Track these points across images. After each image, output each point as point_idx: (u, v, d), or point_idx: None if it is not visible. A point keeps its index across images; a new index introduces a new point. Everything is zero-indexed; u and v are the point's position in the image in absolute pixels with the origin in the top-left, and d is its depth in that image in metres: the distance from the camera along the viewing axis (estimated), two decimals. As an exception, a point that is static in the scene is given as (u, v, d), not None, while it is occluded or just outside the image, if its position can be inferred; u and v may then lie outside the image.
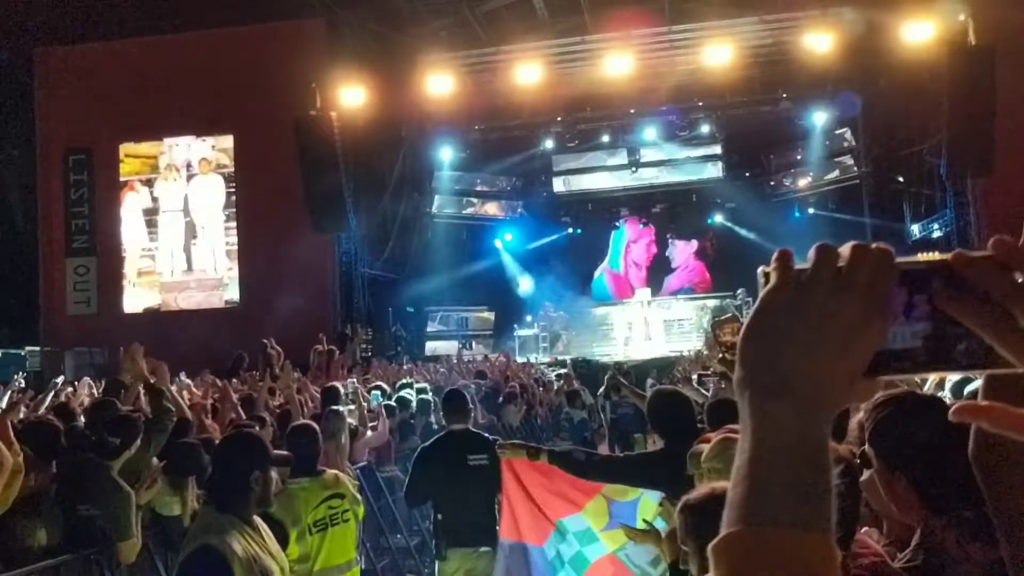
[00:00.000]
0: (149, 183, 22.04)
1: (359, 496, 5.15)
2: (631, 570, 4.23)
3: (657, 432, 4.49)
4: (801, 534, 0.72)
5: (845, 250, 0.77)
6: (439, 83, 19.68)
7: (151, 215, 21.92)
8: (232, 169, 21.48)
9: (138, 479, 5.47)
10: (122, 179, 21.86)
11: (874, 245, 0.77)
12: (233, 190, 21.40)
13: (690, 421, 4.28)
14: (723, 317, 2.77)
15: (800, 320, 0.76)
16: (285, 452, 3.96)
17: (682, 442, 3.92)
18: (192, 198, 21.79)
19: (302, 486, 4.77)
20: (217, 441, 5.04)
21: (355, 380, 10.16)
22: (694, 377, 6.21)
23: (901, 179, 20.48)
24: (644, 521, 4.01)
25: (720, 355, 2.82)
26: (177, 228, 21.85)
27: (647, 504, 4.30)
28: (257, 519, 3.56)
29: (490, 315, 24.18)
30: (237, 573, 3.24)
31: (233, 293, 21.37)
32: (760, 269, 0.81)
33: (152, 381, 5.84)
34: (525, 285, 25.61)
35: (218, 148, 21.70)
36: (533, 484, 4.60)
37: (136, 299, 21.69)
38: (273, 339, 11.42)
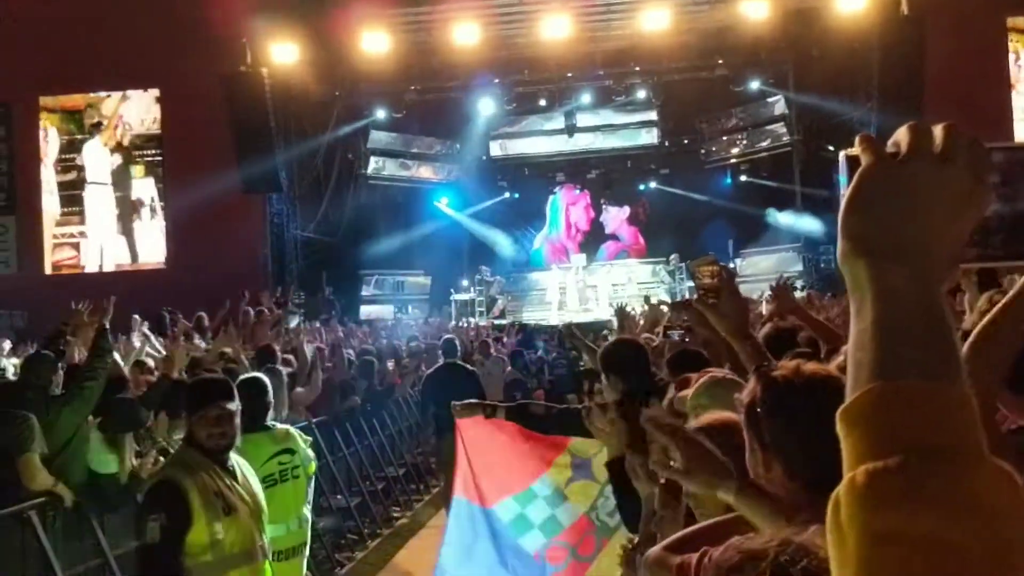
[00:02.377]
0: (72, 145, 21.28)
1: (311, 453, 5.03)
2: (595, 524, 4.19)
3: (615, 378, 4.44)
4: (938, 384, 0.74)
5: (938, 129, 0.81)
6: (374, 41, 19.29)
7: (74, 188, 21.20)
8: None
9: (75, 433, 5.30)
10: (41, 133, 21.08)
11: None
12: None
13: (647, 369, 4.26)
14: (701, 258, 2.72)
15: (906, 190, 0.80)
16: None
17: (640, 389, 3.90)
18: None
19: (249, 440, 4.62)
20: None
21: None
22: (656, 332, 6.19)
23: (831, 147, 20.83)
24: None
25: (697, 295, 2.77)
26: (107, 206, 21.24)
27: (601, 459, 4.27)
28: (237, 460, 3.79)
29: (426, 280, 24.02)
30: (195, 504, 3.42)
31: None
32: (843, 153, 0.86)
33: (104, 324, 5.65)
34: (503, 244, 25.58)
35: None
36: (491, 444, 4.52)
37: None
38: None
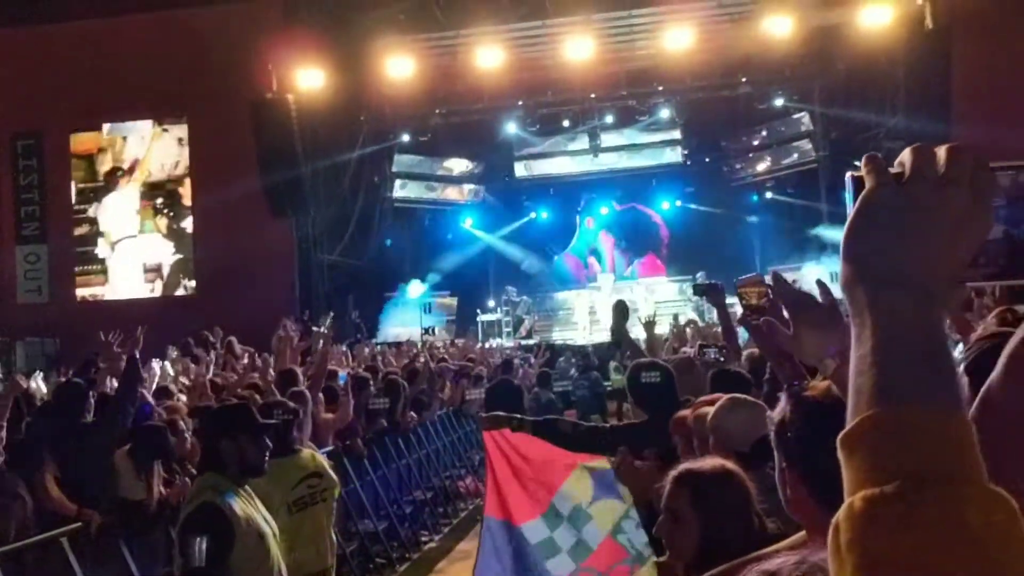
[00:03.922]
0: (84, 195, 21.44)
1: (335, 476, 5.06)
2: (629, 552, 4.14)
3: (639, 404, 4.42)
4: (938, 410, 0.74)
5: (941, 151, 0.80)
6: (399, 66, 19.47)
7: (86, 244, 21.41)
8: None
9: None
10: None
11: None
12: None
13: (673, 392, 4.24)
14: (747, 277, 2.71)
15: (907, 214, 0.79)
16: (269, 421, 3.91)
17: (667, 412, 3.87)
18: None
19: (279, 464, 4.64)
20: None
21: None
22: (689, 350, 6.16)
23: (859, 163, 20.63)
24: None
25: (742, 315, 2.76)
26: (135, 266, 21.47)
27: None
28: (247, 489, 3.70)
29: (452, 300, 24.05)
30: (236, 526, 3.37)
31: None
32: (849, 174, 0.86)
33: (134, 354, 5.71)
34: (530, 264, 25.61)
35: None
36: (517, 458, 4.47)
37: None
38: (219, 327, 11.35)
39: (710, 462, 2.38)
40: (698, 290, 8.34)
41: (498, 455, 4.49)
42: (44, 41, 20.61)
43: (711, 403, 2.97)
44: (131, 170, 21.47)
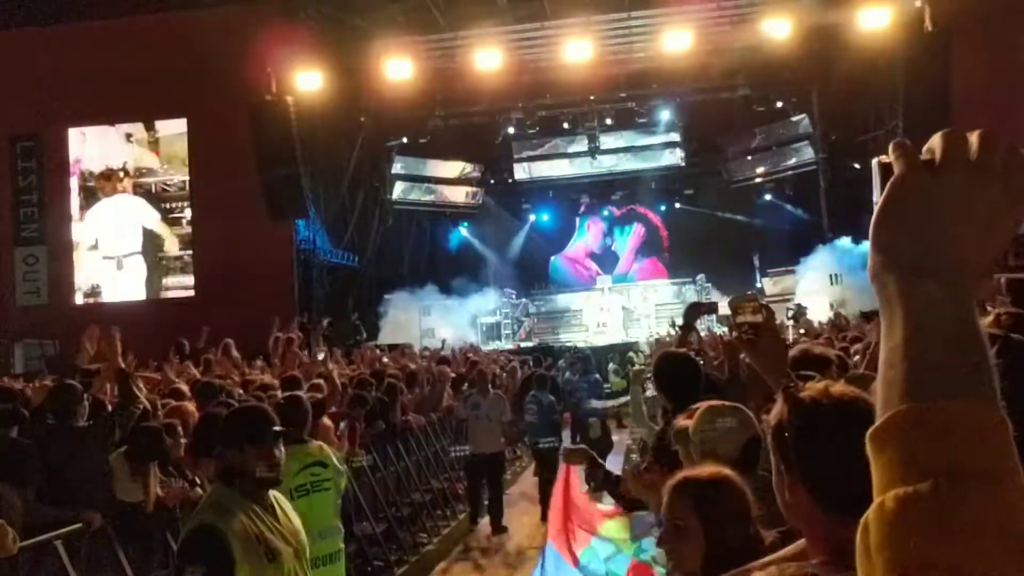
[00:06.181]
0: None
1: (343, 468, 5.19)
2: (654, 567, 4.14)
3: (664, 393, 4.40)
4: (971, 404, 0.71)
5: (973, 137, 0.77)
6: (398, 68, 19.46)
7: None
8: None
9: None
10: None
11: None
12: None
13: (699, 384, 4.21)
14: (743, 295, 2.70)
15: (939, 202, 0.76)
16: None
17: (689, 403, 3.86)
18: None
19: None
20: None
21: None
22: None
23: (857, 165, 20.67)
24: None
25: (737, 333, 2.75)
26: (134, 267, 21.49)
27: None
28: (276, 497, 3.48)
29: (451, 303, 24.07)
30: (236, 551, 3.15)
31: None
32: (875, 160, 0.81)
33: (122, 367, 5.68)
34: (528, 266, 25.80)
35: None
36: (575, 493, 4.59)
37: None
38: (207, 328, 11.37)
39: (708, 469, 2.36)
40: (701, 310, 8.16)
41: (566, 486, 4.58)
42: (44, 42, 20.59)
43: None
44: (130, 171, 21.44)
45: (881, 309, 0.78)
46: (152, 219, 21.32)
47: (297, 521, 3.62)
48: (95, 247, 21.34)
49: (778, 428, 1.84)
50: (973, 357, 0.73)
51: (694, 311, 5.97)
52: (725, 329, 10.23)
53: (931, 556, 0.66)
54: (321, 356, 11.27)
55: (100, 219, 21.38)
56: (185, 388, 7.48)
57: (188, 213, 21.21)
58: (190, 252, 21.25)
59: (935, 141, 0.78)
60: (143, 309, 20.05)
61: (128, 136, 21.38)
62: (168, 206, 21.40)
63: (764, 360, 2.69)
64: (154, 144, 21.44)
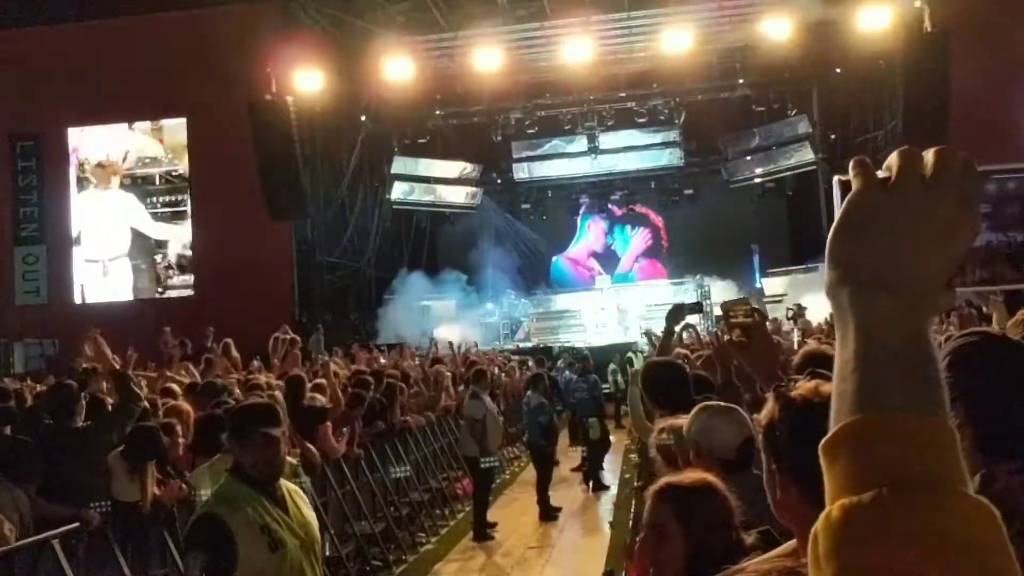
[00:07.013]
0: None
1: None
2: None
3: (653, 400, 4.40)
4: (922, 418, 0.72)
5: (929, 154, 0.78)
6: (398, 68, 19.46)
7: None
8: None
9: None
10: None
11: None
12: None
13: (688, 390, 4.21)
14: (736, 299, 2.73)
15: (894, 217, 0.77)
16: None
17: (681, 409, 3.86)
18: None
19: None
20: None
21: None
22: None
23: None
24: None
25: (729, 336, 2.77)
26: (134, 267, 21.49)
27: None
28: (290, 489, 3.60)
29: (451, 303, 24.07)
30: (240, 542, 3.26)
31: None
32: (836, 178, 0.83)
33: (118, 367, 5.68)
34: (527, 267, 25.88)
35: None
36: None
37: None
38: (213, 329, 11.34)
39: (691, 475, 2.36)
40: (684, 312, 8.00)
41: None
42: (44, 41, 20.60)
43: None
44: (130, 171, 21.45)
45: (836, 323, 0.79)
46: (141, 218, 21.29)
47: (310, 515, 3.69)
48: (77, 242, 21.32)
49: (769, 427, 1.85)
50: (922, 370, 0.74)
51: (677, 313, 5.89)
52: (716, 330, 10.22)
53: (876, 564, 0.67)
54: (322, 360, 11.29)
55: (85, 217, 21.39)
56: (177, 387, 7.48)
57: (190, 205, 21.22)
58: (190, 252, 21.24)
59: (892, 158, 0.79)
60: (143, 307, 20.05)
61: (130, 124, 21.36)
62: (171, 199, 21.38)
63: (756, 362, 2.70)
64: (158, 131, 21.42)
